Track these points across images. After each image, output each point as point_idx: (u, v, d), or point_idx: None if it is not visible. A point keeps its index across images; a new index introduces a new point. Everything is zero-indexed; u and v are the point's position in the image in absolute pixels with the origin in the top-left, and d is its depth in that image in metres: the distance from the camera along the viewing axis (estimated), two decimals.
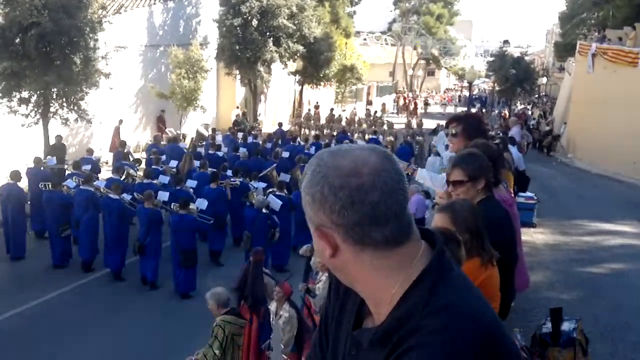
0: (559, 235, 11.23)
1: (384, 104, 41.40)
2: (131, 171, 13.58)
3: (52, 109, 15.48)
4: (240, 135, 20.16)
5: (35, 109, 15.17)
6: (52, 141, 15.78)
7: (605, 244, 10.84)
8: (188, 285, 10.12)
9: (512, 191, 10.36)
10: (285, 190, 11.99)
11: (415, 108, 40.21)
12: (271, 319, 6.36)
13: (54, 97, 15.32)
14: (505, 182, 8.94)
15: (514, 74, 37.69)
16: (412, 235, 1.29)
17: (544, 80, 52.28)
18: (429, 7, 57.65)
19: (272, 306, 6.56)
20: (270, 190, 12.49)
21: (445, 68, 63.74)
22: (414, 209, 10.13)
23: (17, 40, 14.46)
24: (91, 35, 15.43)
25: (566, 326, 4.85)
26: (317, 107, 31.34)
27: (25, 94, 14.92)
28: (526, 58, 45.39)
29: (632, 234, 11.84)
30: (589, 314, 6.92)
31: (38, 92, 14.87)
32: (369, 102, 39.19)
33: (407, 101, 41.82)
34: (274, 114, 31.36)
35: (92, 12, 15.48)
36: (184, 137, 20.71)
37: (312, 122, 28.77)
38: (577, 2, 38.95)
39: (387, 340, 1.24)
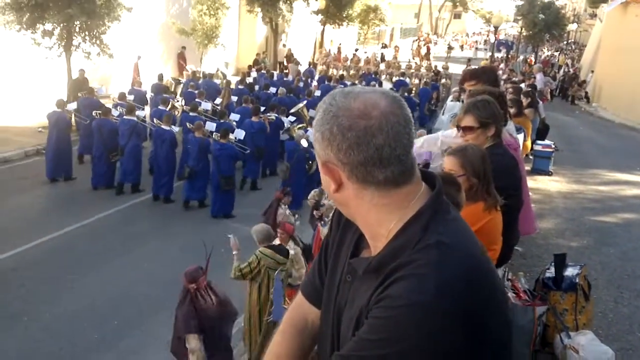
0: (574, 184, 11.22)
1: (397, 47, 40.64)
2: (177, 103, 14.26)
3: (74, 42, 15.52)
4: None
5: (58, 42, 15.23)
6: (74, 75, 15.91)
7: (620, 193, 10.83)
8: (226, 208, 10.95)
9: (530, 139, 10.39)
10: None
11: (428, 53, 39.16)
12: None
13: (77, 30, 15.33)
14: (523, 129, 9.00)
15: (542, 19, 36.51)
16: (413, 177, 1.36)
17: (574, 26, 50.56)
18: None
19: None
20: (302, 125, 13.29)
21: (472, 11, 61.94)
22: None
23: None
24: None
25: (569, 272, 4.98)
26: (339, 48, 30.99)
27: (48, 27, 14.95)
28: (557, 3, 43.82)
29: None
30: (596, 262, 7.05)
31: (61, 25, 14.89)
32: (384, 46, 38.28)
33: (419, 45, 40.70)
34: (295, 54, 31.02)
35: None
36: (203, 74, 20.69)
37: (339, 62, 28.59)
38: None
39: (380, 269, 1.33)
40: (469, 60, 32.60)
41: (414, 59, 36.87)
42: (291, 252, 6.49)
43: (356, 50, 31.08)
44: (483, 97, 4.48)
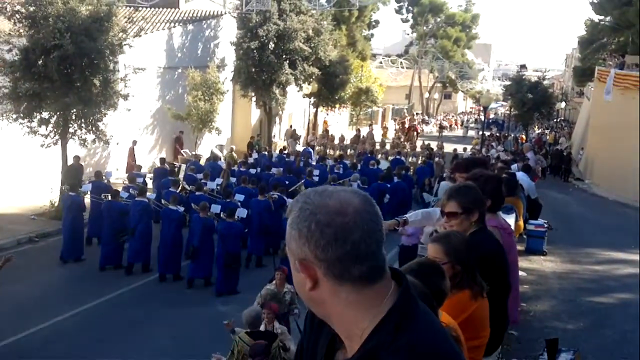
0: (569, 264, 11.14)
1: (385, 128, 41.44)
2: (186, 185, 14.95)
3: (70, 130, 15.79)
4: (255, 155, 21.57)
5: (55, 130, 15.49)
6: (70, 161, 16.09)
7: (616, 273, 10.74)
8: (230, 285, 11.18)
9: (522, 219, 10.39)
10: None
11: (411, 132, 39.22)
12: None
13: (73, 118, 15.63)
14: (515, 209, 9.01)
15: (531, 98, 37.57)
16: (384, 274, 1.39)
17: (563, 104, 51.97)
18: (447, 31, 57.97)
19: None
20: None
21: (462, 91, 63.79)
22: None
23: (40, 62, 14.82)
24: (111, 57, 15.79)
25: (563, 357, 4.86)
26: (326, 130, 31.89)
27: (45, 115, 15.25)
28: (545, 82, 45.16)
29: None
30: (593, 345, 6.89)
31: (58, 113, 15.20)
32: (370, 125, 39.01)
33: (404, 125, 41.38)
34: (284, 138, 31.66)
35: (113, 35, 15.82)
36: (199, 158, 20.99)
37: (335, 142, 29.21)
38: (597, 27, 38.79)
39: None
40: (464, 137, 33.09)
41: (398, 136, 37.47)
42: (278, 332, 6.54)
43: (358, 130, 32.00)
44: (465, 183, 4.54)
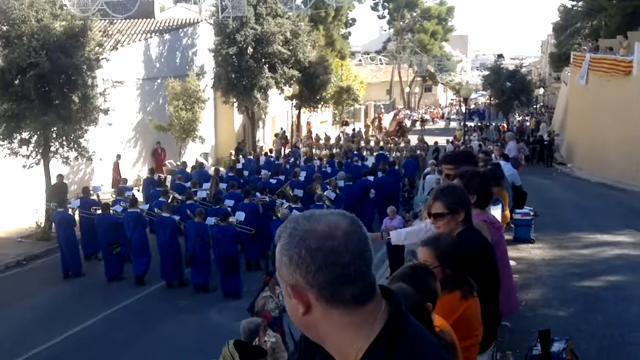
0: (557, 250, 11.28)
1: (367, 125, 41.61)
2: (177, 195, 15.21)
3: (52, 149, 15.65)
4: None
5: (36, 149, 15.35)
6: (53, 180, 15.96)
7: (602, 255, 10.88)
8: (234, 287, 11.52)
9: (508, 209, 10.52)
10: (300, 204, 13.60)
11: (401, 129, 39.42)
12: None
13: (54, 136, 15.48)
14: (501, 200, 9.12)
15: (509, 86, 37.90)
16: (375, 294, 1.43)
17: (541, 90, 52.45)
18: (423, 25, 58.26)
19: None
20: (288, 205, 13.92)
21: (442, 84, 64.12)
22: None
23: (17, 82, 14.69)
24: (89, 73, 15.67)
25: (556, 347, 4.95)
26: (309, 130, 31.99)
27: (25, 135, 15.12)
28: (522, 69, 45.56)
29: (628, 244, 11.84)
30: (584, 330, 6.99)
31: (38, 133, 15.07)
32: (345, 123, 38.97)
33: (378, 122, 41.66)
34: (273, 139, 31.63)
35: (89, 50, 15.72)
36: (185, 165, 20.89)
37: (321, 142, 29.25)
38: (570, 13, 39.18)
39: None
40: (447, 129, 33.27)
41: (372, 132, 37.57)
42: (272, 339, 6.56)
43: (341, 130, 32.06)
44: (450, 183, 4.62)
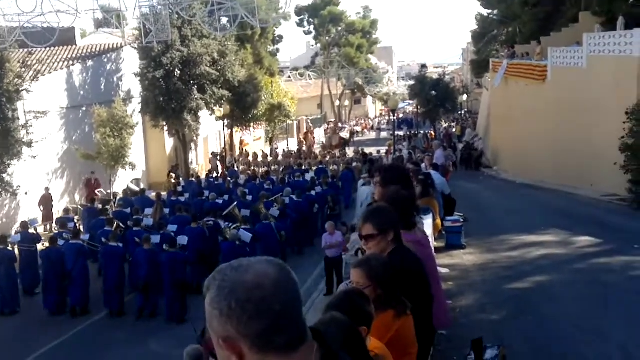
0: (487, 254, 11.70)
1: (301, 141, 42.22)
2: (120, 223, 15.02)
3: None
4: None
5: None
6: None
7: (529, 256, 11.36)
8: (179, 313, 11.68)
9: (439, 217, 10.90)
10: (248, 224, 13.89)
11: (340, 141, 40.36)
12: None
13: None
14: (431, 209, 9.45)
15: (434, 95, 39.11)
16: (307, 337, 1.46)
17: (465, 97, 54.38)
18: (349, 39, 59.30)
19: None
20: (235, 225, 14.14)
21: (371, 96, 65.40)
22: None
23: None
24: (9, 105, 15.20)
25: (489, 354, 5.21)
26: (243, 149, 31.96)
27: None
28: (446, 77, 47.11)
29: (553, 243, 12.40)
30: (518, 333, 7.30)
31: None
32: (270, 141, 39.29)
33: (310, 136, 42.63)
34: (206, 161, 31.33)
35: (8, 82, 15.24)
36: (115, 196, 20.41)
37: (260, 160, 29.25)
38: (487, 21, 40.83)
39: None
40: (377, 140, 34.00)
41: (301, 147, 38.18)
42: None
43: (275, 148, 32.21)
44: (378, 205, 4.80)
